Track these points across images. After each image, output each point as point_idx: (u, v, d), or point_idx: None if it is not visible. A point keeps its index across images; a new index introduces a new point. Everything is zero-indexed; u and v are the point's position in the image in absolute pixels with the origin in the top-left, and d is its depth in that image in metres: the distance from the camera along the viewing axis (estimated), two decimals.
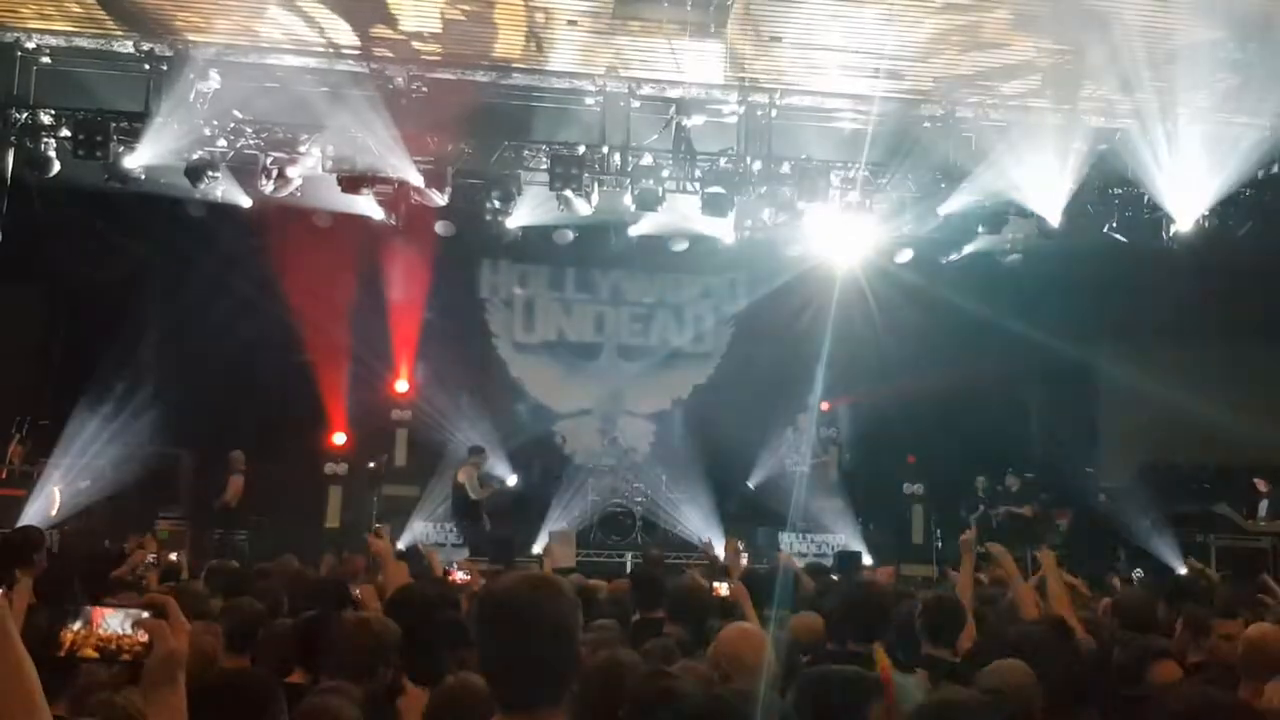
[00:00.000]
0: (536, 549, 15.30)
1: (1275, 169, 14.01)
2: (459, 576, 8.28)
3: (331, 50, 13.01)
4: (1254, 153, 13.42)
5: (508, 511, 15.84)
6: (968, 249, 15.41)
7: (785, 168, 14.07)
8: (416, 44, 12.90)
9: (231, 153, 13.62)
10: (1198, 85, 12.61)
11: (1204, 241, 14.17)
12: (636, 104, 13.83)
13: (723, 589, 7.07)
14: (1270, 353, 16.29)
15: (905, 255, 15.75)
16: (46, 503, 13.63)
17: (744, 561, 11.11)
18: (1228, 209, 14.12)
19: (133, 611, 2.51)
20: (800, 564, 10.25)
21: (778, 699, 4.08)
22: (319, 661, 4.68)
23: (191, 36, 12.77)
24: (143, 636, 2.45)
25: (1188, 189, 13.51)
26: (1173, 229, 14.14)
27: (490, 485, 15.32)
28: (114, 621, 2.50)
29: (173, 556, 9.37)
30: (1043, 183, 13.70)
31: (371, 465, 16.33)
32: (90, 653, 2.52)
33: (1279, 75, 12.23)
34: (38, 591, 6.22)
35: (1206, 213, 13.91)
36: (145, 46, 12.91)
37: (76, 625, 2.51)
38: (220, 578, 7.16)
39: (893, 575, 9.65)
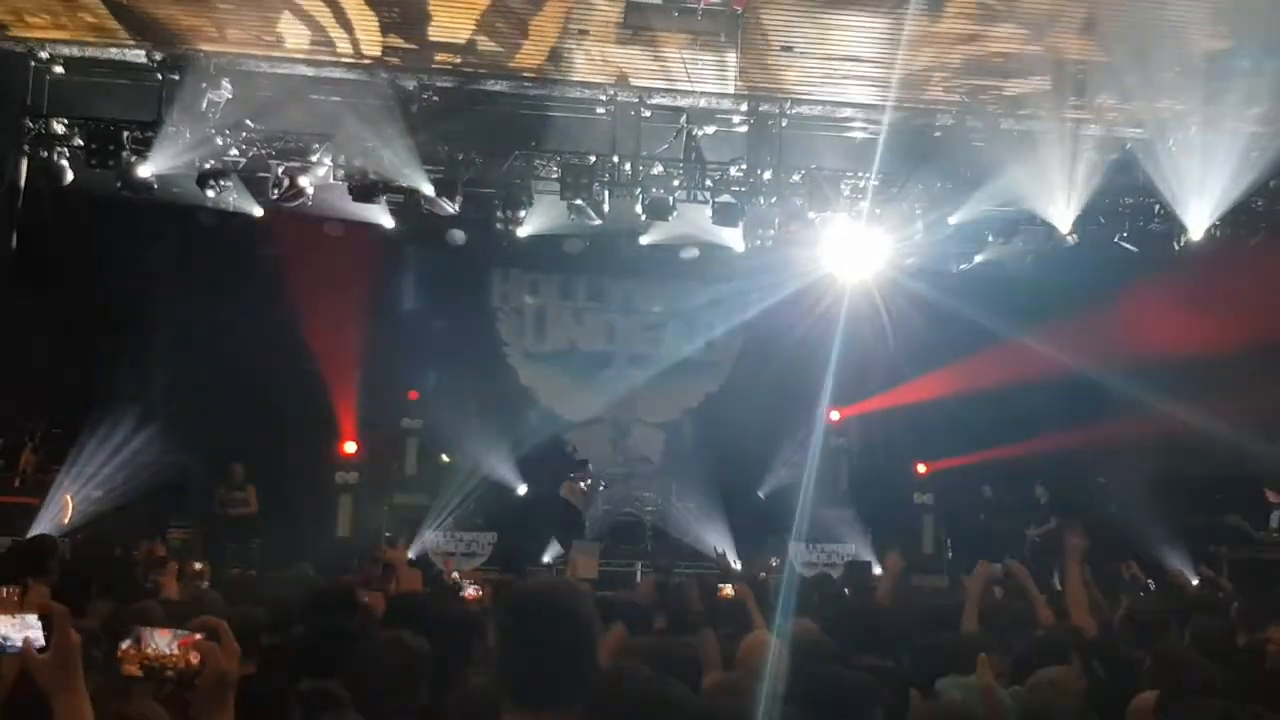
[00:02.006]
0: (546, 559, 15.33)
1: None
2: (470, 591, 8.30)
3: (344, 59, 13.04)
4: (1265, 162, 13.40)
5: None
6: (978, 258, 15.41)
7: (796, 177, 14.09)
8: (428, 53, 12.92)
9: (243, 161, 13.66)
10: (1209, 94, 12.60)
11: (1216, 251, 14.14)
12: (647, 113, 13.85)
13: (727, 589, 7.12)
14: None
15: (916, 264, 15.75)
16: (59, 510, 13.68)
17: (763, 575, 11.11)
18: (1239, 218, 14.10)
19: (181, 632, 2.58)
20: (809, 574, 10.29)
21: (779, 707, 4.10)
22: (333, 670, 4.67)
23: (204, 46, 12.81)
24: (193, 657, 2.52)
25: (1199, 198, 13.49)
26: (1184, 238, 14.11)
27: (592, 492, 15.47)
28: (161, 641, 2.56)
29: (196, 565, 9.37)
30: (1054, 192, 13.70)
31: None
32: (135, 670, 2.58)
33: None
34: (57, 600, 6.23)
35: (1218, 222, 13.88)
36: (157, 56, 12.95)
37: (125, 644, 2.58)
38: (225, 585, 7.17)
39: (897, 565, 9.54)
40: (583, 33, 12.19)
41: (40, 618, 2.61)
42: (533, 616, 2.62)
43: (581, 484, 15.21)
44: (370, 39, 12.58)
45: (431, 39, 12.54)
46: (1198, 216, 13.66)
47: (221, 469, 15.24)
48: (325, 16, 12.06)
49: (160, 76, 13.07)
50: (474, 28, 12.28)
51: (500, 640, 2.74)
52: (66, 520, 13.56)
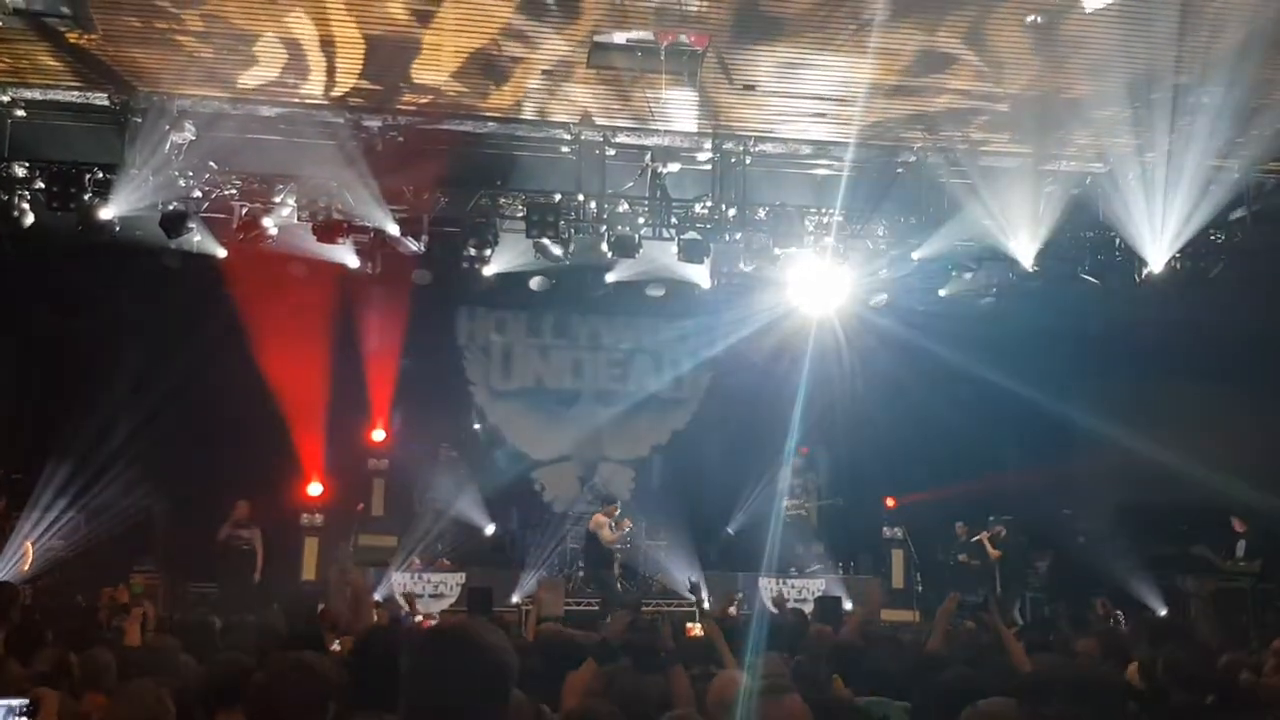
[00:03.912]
0: (515, 598, 15.23)
1: (1244, 211, 14.17)
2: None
3: (308, 101, 13.02)
4: (1224, 195, 13.57)
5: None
6: (942, 293, 15.50)
7: (761, 213, 14.14)
8: (394, 95, 12.92)
9: (207, 203, 13.61)
10: (1167, 129, 12.75)
11: (1176, 283, 14.28)
12: (612, 152, 13.88)
13: (696, 629, 7.10)
14: (1243, 392, 16.40)
15: (880, 299, 15.83)
16: (19, 558, 13.51)
17: (733, 610, 11.08)
18: (1199, 251, 14.25)
19: (14, 703, 2.59)
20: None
21: None
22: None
23: (167, 89, 12.75)
24: None
25: (1159, 232, 13.63)
26: (1145, 271, 14.24)
27: (621, 530, 15.31)
28: None
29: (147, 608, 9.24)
30: (1016, 227, 13.82)
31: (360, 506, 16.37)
32: None
33: (1246, 119, 12.40)
34: (9, 646, 6.15)
35: (1178, 255, 14.02)
36: (120, 99, 12.90)
37: None
38: (186, 633, 7.07)
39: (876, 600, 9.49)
40: (546, 73, 12.22)
41: (30, 701, 2.63)
42: (427, 656, 2.60)
43: (608, 520, 15.12)
44: (336, 82, 12.56)
45: (382, 80, 12.53)
46: (1158, 249, 13.79)
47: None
48: (290, 60, 12.04)
49: (123, 119, 13.01)
50: (450, 76, 12.32)
51: (405, 674, 2.71)
52: (26, 568, 13.41)
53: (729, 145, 13.94)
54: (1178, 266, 14.23)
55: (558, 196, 13.81)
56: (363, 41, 11.61)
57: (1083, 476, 17.80)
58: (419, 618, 9.71)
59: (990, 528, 15.95)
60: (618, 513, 15.45)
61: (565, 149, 13.93)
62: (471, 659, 2.55)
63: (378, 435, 17.14)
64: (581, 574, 15.89)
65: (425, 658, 2.60)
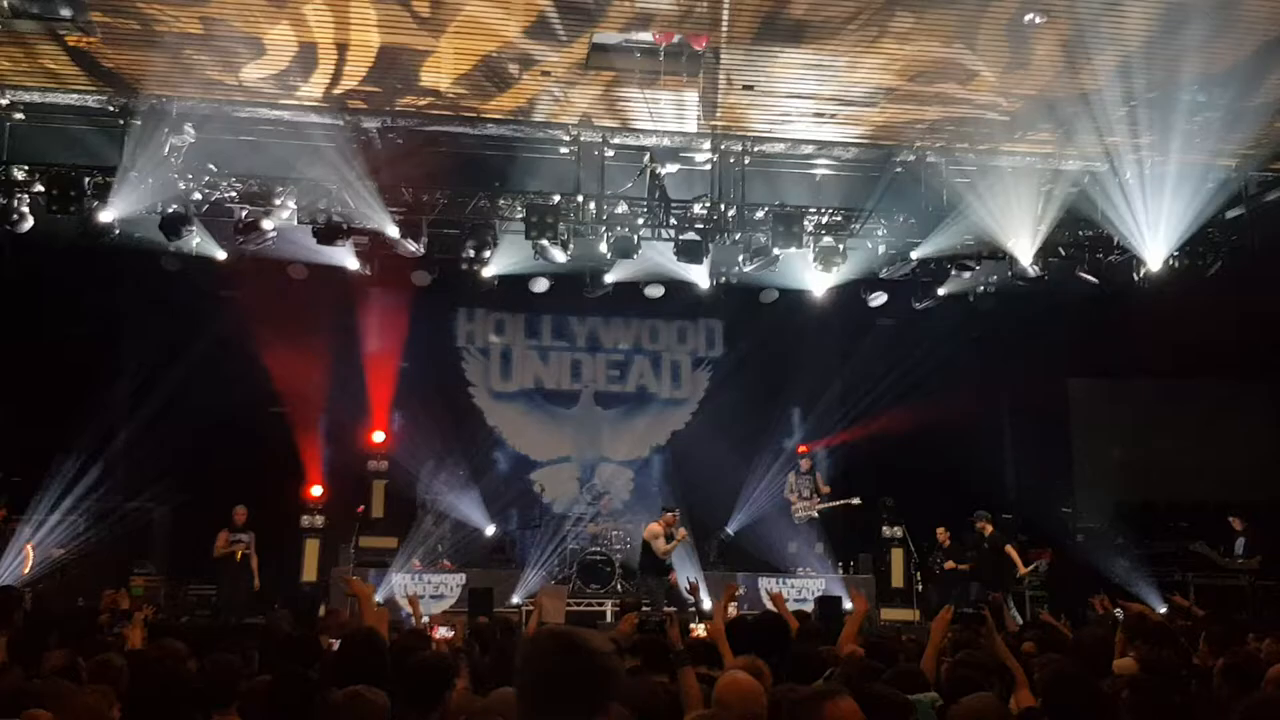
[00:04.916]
0: (515, 599, 15.21)
1: (1242, 209, 14.20)
2: (441, 632, 8.22)
3: (306, 103, 13.03)
4: (1220, 193, 13.61)
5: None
6: (941, 291, 15.52)
7: (759, 213, 14.16)
8: (393, 97, 12.93)
9: (206, 205, 13.63)
10: (1163, 129, 12.77)
11: (1174, 281, 14.31)
12: (611, 153, 13.90)
13: (700, 630, 7.07)
14: (1241, 390, 16.44)
15: (879, 298, 15.84)
16: (19, 561, 13.49)
17: (731, 610, 11.06)
18: (1196, 249, 14.28)
19: None
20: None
21: None
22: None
23: (166, 91, 12.76)
24: None
25: (1157, 230, 13.67)
26: (1143, 269, 14.26)
27: (674, 540, 15.06)
28: None
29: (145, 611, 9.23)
30: (1014, 226, 13.86)
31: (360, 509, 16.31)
32: None
33: (1241, 118, 12.43)
34: (12, 650, 6.16)
35: (1175, 253, 14.06)
36: (120, 101, 12.90)
37: None
38: (189, 635, 7.06)
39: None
40: (545, 74, 12.23)
41: None
42: (544, 657, 2.70)
43: (663, 530, 14.87)
44: (337, 85, 12.56)
45: (379, 82, 12.53)
46: (1156, 248, 13.83)
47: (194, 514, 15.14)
48: (290, 63, 12.05)
49: (122, 122, 13.02)
50: (419, 68, 12.31)
51: (518, 671, 2.78)
52: (26, 571, 13.39)
53: (727, 145, 13.96)
54: (1175, 265, 14.26)
55: (557, 198, 13.83)
56: (375, 46, 11.63)
57: (1080, 474, 17.81)
58: (424, 619, 9.70)
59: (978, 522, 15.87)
60: (675, 522, 15.10)
61: (564, 150, 13.95)
62: (583, 663, 2.65)
63: (378, 437, 17.11)
64: (636, 579, 15.58)
65: (539, 661, 2.68)
